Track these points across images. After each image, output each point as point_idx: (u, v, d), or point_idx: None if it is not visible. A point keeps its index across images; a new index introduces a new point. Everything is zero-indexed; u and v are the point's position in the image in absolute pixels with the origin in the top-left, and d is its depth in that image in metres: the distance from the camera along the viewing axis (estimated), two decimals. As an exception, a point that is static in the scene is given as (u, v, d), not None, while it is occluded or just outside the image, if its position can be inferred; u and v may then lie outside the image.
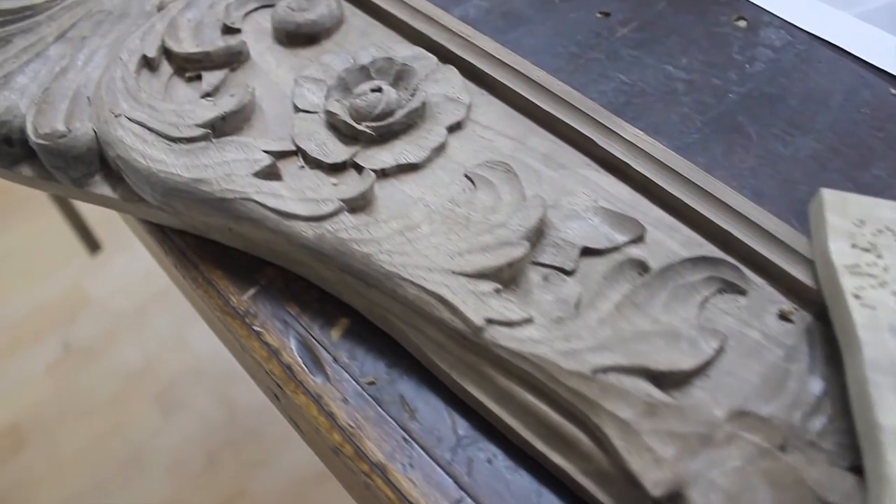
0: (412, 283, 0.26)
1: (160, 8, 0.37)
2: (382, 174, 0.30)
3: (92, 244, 1.02)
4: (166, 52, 0.35)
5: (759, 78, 0.35)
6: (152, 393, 1.12)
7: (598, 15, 0.38)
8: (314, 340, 0.28)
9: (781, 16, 0.38)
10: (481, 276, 0.26)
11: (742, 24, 0.38)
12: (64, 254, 1.30)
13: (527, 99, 0.31)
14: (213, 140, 0.31)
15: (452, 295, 0.25)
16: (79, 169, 0.32)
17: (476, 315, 0.25)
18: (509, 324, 0.25)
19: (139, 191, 0.31)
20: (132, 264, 1.25)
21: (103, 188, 0.33)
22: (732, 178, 0.32)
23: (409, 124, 0.31)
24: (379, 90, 0.31)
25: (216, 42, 0.35)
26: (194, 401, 1.10)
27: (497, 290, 0.26)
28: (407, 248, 0.27)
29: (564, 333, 0.25)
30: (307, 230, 0.28)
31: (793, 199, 0.31)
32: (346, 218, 0.28)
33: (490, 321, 0.25)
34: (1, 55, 0.36)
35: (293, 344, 0.28)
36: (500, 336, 0.25)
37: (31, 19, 0.38)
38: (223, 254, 0.31)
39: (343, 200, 0.28)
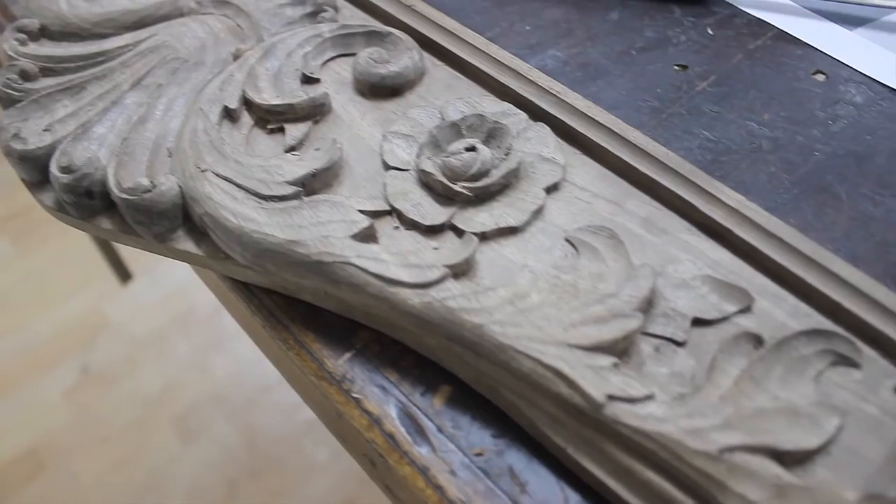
0: (527, 356, 0.25)
1: (236, 56, 0.37)
2: (482, 237, 0.29)
3: (123, 273, 1.00)
4: (246, 103, 0.35)
5: (843, 136, 0.35)
6: (171, 419, 1.10)
7: (676, 68, 0.38)
8: (416, 408, 0.28)
9: (859, 69, 0.38)
10: (597, 349, 0.25)
11: (820, 77, 0.38)
12: (82, 277, 1.29)
13: (624, 161, 0.31)
14: (305, 198, 0.30)
15: (570, 369, 0.25)
16: (163, 224, 0.32)
17: (597, 391, 0.24)
18: (631, 400, 0.24)
19: (227, 249, 0.31)
20: (151, 289, 1.24)
21: (187, 244, 0.32)
22: (826, 240, 0.31)
23: (505, 185, 0.30)
24: (473, 149, 0.31)
25: (298, 93, 0.34)
26: (214, 427, 1.09)
27: (615, 365, 0.25)
28: (519, 318, 0.26)
29: (687, 411, 0.24)
30: (413, 298, 0.27)
31: (889, 262, 0.31)
32: (453, 285, 0.27)
33: (611, 397, 0.24)
34: (75, 102, 0.36)
35: (394, 412, 0.28)
36: (622, 413, 0.24)
37: (103, 65, 0.37)
38: (314, 315, 0.30)
39: (447, 266, 0.28)
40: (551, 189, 0.31)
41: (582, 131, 0.32)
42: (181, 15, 0.39)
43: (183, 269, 1.26)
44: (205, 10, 0.39)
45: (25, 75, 0.37)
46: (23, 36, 0.39)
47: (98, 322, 1.22)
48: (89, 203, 0.33)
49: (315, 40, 0.36)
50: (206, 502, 1.02)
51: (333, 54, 0.37)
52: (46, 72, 0.38)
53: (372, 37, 0.37)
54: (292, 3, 0.39)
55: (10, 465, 1.07)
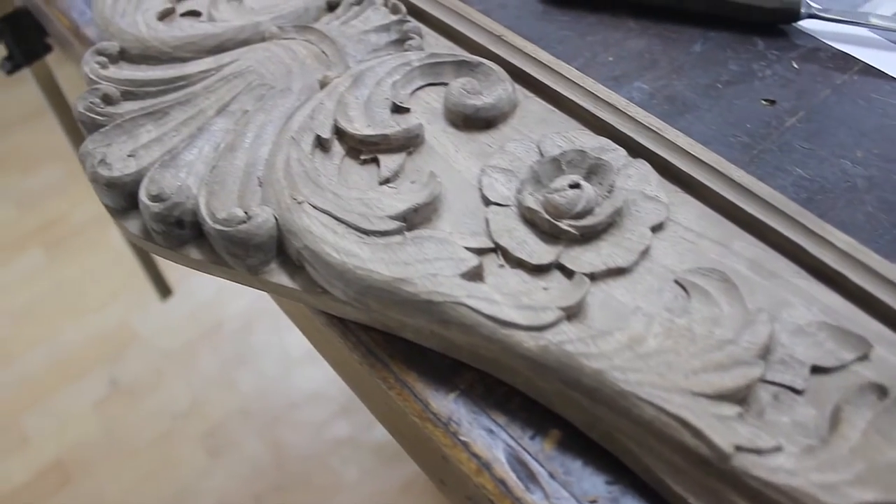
0: (651, 403, 0.25)
1: (323, 84, 0.36)
2: (591, 278, 0.29)
3: (163, 289, 1.00)
4: (337, 132, 0.34)
5: (939, 175, 0.35)
6: (199, 434, 1.10)
7: (764, 102, 0.38)
8: (526, 453, 0.27)
9: (949, 108, 0.37)
10: (721, 397, 0.25)
11: (910, 115, 0.37)
12: (112, 290, 1.28)
13: (728, 200, 0.30)
14: (407, 234, 0.30)
15: (696, 419, 0.24)
16: (257, 256, 0.31)
17: (724, 441, 0.24)
18: (759, 452, 0.24)
19: (326, 284, 0.30)
20: (179, 303, 1.23)
21: (280, 277, 0.32)
22: (930, 284, 0.31)
23: (610, 224, 0.30)
24: (577, 186, 0.30)
25: (391, 123, 0.34)
26: (241, 443, 1.08)
27: (740, 415, 0.25)
28: (639, 364, 0.26)
29: (817, 463, 0.24)
30: (528, 341, 0.27)
31: None
32: (568, 328, 0.27)
33: (739, 448, 0.24)
34: (159, 128, 0.35)
35: (503, 456, 0.27)
36: (750, 464, 0.24)
37: (186, 90, 0.37)
38: (416, 353, 0.30)
39: (561, 308, 0.27)
40: (656, 228, 0.30)
41: (684, 169, 0.31)
42: (262, 40, 0.39)
43: (211, 285, 1.27)
44: (287, 36, 0.39)
45: (108, 99, 0.37)
46: (103, 59, 0.38)
47: (127, 335, 1.22)
48: (179, 233, 0.32)
49: (403, 69, 0.36)
50: (233, 518, 1.01)
51: (422, 83, 0.36)
52: (127, 95, 0.37)
53: (462, 66, 0.36)
54: (377, 30, 0.38)
55: (37, 477, 1.06)
